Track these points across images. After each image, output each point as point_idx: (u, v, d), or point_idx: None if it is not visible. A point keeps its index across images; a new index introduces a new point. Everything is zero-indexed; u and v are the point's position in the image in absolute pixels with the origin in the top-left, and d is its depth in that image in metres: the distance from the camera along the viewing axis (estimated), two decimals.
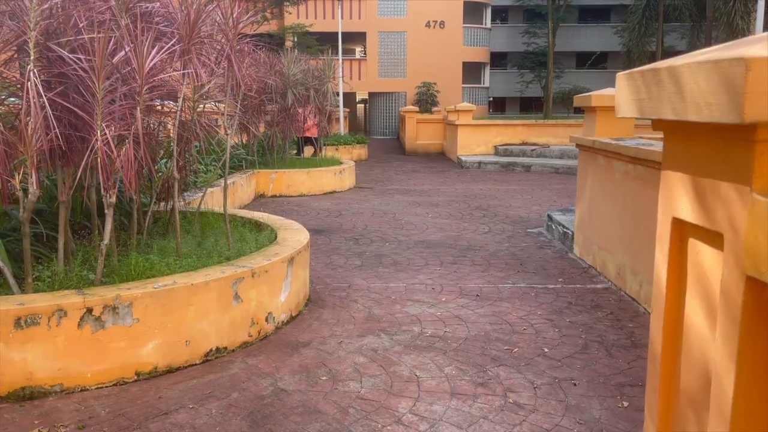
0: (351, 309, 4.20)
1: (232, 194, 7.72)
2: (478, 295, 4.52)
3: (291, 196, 9.37)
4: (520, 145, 15.35)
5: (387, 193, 10.02)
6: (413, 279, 4.94)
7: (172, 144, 4.87)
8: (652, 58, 22.67)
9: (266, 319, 3.64)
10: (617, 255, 4.72)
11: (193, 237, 4.40)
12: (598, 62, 38.30)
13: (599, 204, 5.14)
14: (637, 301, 4.35)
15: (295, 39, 28.11)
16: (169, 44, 3.56)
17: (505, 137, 15.65)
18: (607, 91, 5.32)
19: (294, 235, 4.39)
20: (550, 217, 6.70)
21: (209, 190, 6.81)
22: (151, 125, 4.48)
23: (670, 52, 27.87)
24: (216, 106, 5.10)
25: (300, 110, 10.25)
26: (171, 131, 4.94)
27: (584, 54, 39.01)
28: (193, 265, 3.57)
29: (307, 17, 30.42)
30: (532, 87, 36.87)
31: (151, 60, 3.41)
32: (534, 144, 15.27)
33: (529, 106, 39.96)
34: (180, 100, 3.95)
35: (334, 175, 9.87)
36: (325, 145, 12.30)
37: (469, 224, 7.29)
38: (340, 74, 22.22)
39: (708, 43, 20.21)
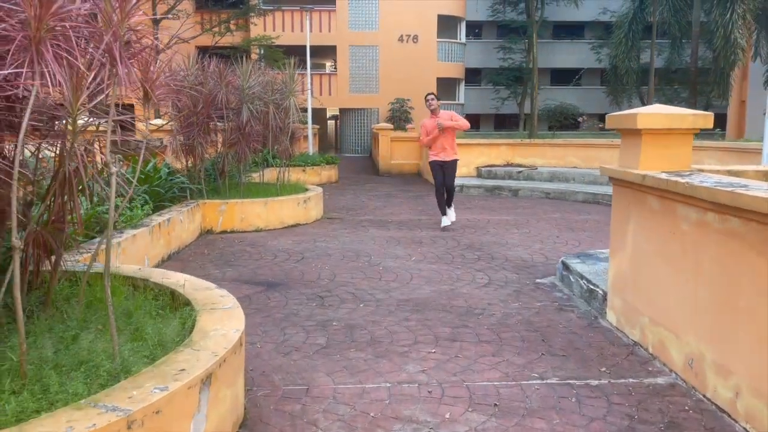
0: None
1: (166, 234, 6.18)
2: (496, 405, 3.09)
3: (245, 232, 7.84)
4: (504, 166, 14.09)
5: (360, 225, 8.56)
6: (400, 372, 3.48)
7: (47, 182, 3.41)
8: (642, 73, 21.80)
9: None
10: (687, 339, 3.34)
11: (66, 327, 2.88)
12: (573, 79, 37.71)
13: (651, 261, 3.77)
14: (730, 416, 2.96)
15: (262, 52, 26.67)
16: None
17: (488, 158, 14.38)
18: (657, 108, 3.98)
19: (221, 323, 2.90)
20: (565, 266, 5.32)
21: (130, 233, 5.28)
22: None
23: (646, 70, 27.21)
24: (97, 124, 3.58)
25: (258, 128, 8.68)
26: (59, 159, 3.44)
27: (559, 71, 38.41)
28: (30, 404, 2.06)
29: (274, 29, 29.06)
30: (508, 104, 36.05)
31: None
32: (520, 165, 14.02)
33: (504, 124, 39.16)
34: (26, 118, 2.45)
35: (297, 205, 8.38)
36: (288, 166, 10.85)
37: (463, 271, 5.87)
38: (309, 89, 20.85)
39: (694, 58, 19.47)
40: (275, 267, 6.01)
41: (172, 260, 6.26)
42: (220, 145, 8.87)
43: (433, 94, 8.45)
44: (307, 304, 4.76)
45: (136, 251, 5.32)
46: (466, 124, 8.39)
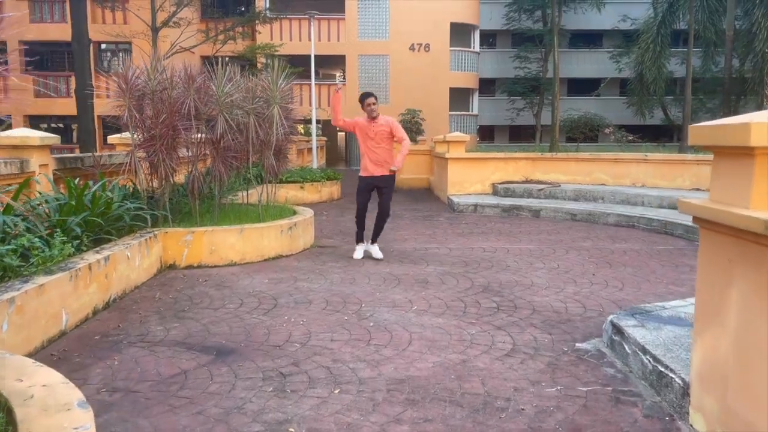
0: None
1: (101, 276, 4.88)
2: None
3: (215, 267, 6.53)
4: (523, 183, 12.71)
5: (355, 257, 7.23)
6: None
7: None
8: (672, 83, 20.33)
9: None
10: None
11: None
12: (591, 89, 36.34)
13: None
14: None
15: (268, 61, 25.62)
16: None
17: (505, 173, 13.02)
18: None
19: None
20: (617, 329, 3.94)
21: (38, 281, 4.00)
22: None
23: (672, 79, 25.68)
24: None
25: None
26: None
27: (576, 80, 37.05)
28: None
29: (281, 38, 28.06)
30: (523, 115, 34.74)
31: None
32: (541, 182, 12.64)
33: (519, 135, 37.84)
34: None
35: (281, 233, 7.07)
36: (282, 182, 9.60)
37: (478, 329, 4.51)
38: (312, 101, 19.67)
39: (728, 65, 17.97)
40: (236, 321, 4.68)
41: (110, 309, 4.97)
42: (207, 162, 7.64)
43: (372, 95, 6.83)
44: (260, 390, 3.42)
45: (46, 306, 4.02)
46: (406, 145, 6.92)
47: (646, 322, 3.96)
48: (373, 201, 7.13)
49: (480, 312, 4.96)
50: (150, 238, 5.98)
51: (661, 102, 26.16)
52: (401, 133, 6.93)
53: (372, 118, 6.83)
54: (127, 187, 7.17)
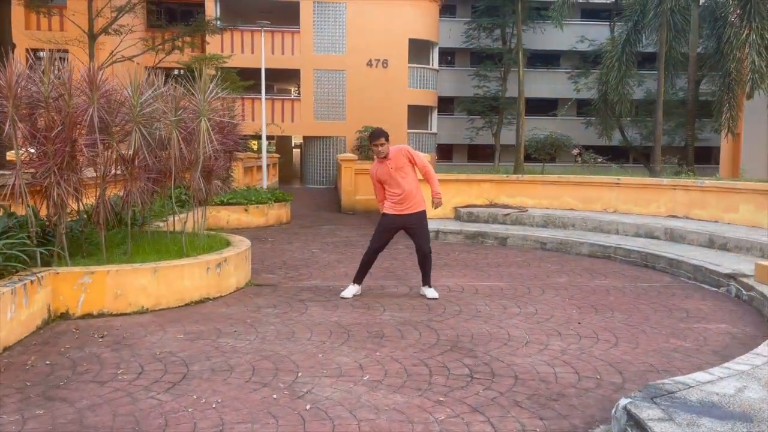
0: None
1: None
2: None
3: (121, 315, 5.28)
4: (487, 207, 11.80)
5: (297, 299, 6.09)
6: None
7: None
8: (637, 103, 19.94)
9: None
10: None
11: None
12: (548, 109, 36.21)
13: None
14: None
15: (219, 74, 24.31)
16: None
17: (468, 197, 12.09)
18: None
19: None
20: (635, 421, 2.93)
21: None
22: None
23: (645, 101, 25.47)
24: None
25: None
26: None
27: (533, 100, 36.87)
28: None
29: (232, 50, 26.77)
30: (482, 134, 34.30)
31: None
32: (506, 206, 11.76)
33: (478, 155, 37.41)
34: None
35: (206, 271, 5.86)
36: (206, 207, 8.39)
37: (448, 413, 3.43)
38: (263, 115, 18.50)
39: (691, 86, 17.69)
40: (126, 404, 3.47)
41: None
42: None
43: (383, 135, 6.03)
44: None
45: None
46: (433, 175, 6.30)
47: (674, 413, 2.95)
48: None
49: (449, 383, 3.89)
50: (31, 282, 4.71)
51: (619, 123, 26.00)
52: (422, 160, 6.17)
53: (383, 158, 6.08)
54: (21, 216, 5.86)
